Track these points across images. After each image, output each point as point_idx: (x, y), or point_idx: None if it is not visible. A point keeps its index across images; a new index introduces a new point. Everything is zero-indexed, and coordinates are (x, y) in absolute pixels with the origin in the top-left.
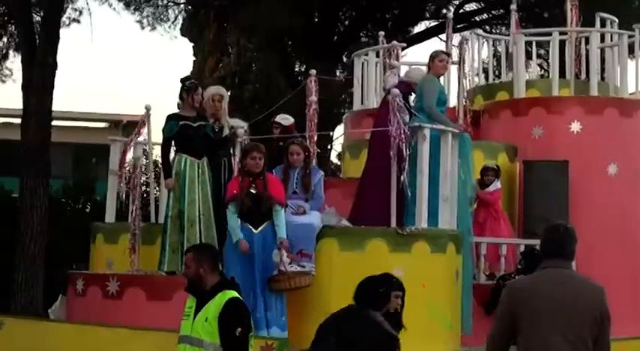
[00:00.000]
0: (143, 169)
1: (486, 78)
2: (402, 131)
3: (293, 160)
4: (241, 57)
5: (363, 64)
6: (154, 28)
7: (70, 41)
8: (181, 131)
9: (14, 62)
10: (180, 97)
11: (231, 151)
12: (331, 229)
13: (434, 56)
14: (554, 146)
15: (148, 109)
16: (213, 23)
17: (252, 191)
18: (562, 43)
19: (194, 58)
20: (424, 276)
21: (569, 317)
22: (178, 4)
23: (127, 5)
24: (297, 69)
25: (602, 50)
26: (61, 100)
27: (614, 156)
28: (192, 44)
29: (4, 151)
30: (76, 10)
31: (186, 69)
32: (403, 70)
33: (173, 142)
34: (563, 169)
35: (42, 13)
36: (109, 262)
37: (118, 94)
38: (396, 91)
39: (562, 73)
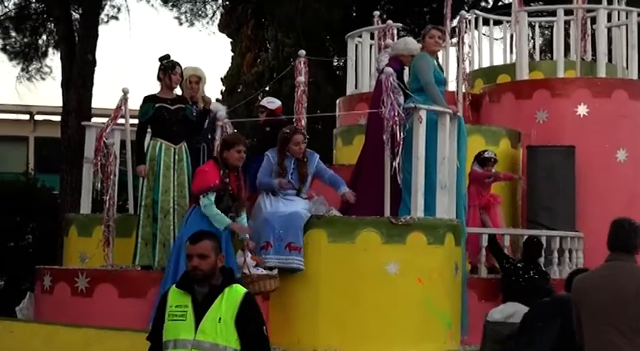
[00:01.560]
0: (117, 156)
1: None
2: (396, 113)
3: (295, 150)
4: (279, 52)
5: (356, 46)
6: (192, 24)
7: (109, 38)
8: (157, 114)
9: (54, 60)
10: (158, 77)
11: (210, 135)
12: (319, 219)
13: (424, 33)
14: (560, 131)
15: (125, 92)
16: (251, 19)
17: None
18: (567, 26)
19: (232, 54)
20: (420, 270)
21: (626, 310)
22: (216, 0)
23: (165, 1)
24: (335, 63)
25: (609, 30)
26: (102, 98)
27: (623, 141)
28: (230, 40)
29: (45, 149)
30: (114, 7)
31: (225, 65)
32: None
33: (149, 126)
34: (569, 155)
35: (80, 11)
36: (82, 256)
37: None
38: (390, 69)
39: (567, 55)
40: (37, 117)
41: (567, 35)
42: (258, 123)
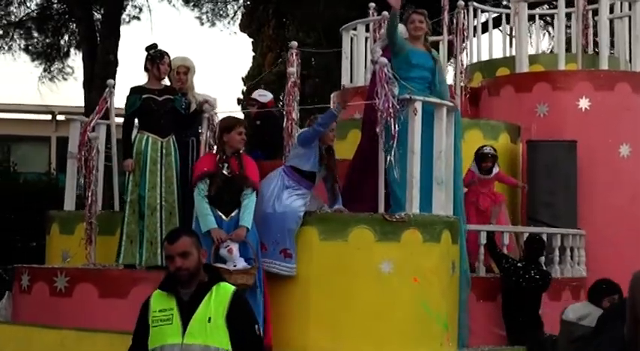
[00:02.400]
0: (100, 150)
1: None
2: (390, 104)
3: (330, 138)
4: (301, 52)
5: (352, 39)
6: (213, 24)
7: (130, 38)
8: (144, 106)
9: (75, 60)
10: (145, 67)
11: (199, 129)
12: (310, 215)
13: (405, 19)
14: (561, 125)
15: (109, 85)
16: (272, 18)
17: (225, 172)
18: (568, 22)
19: (253, 54)
20: (416, 269)
21: None
22: (237, 0)
23: (187, 1)
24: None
25: (611, 22)
26: (124, 98)
27: (627, 136)
28: (251, 40)
29: (66, 148)
30: (135, 7)
31: (246, 64)
32: None
33: (136, 119)
34: (570, 149)
35: (102, 11)
36: (64, 255)
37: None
38: (384, 60)
39: (568, 49)
40: (59, 117)
41: (568, 28)
42: (250, 117)
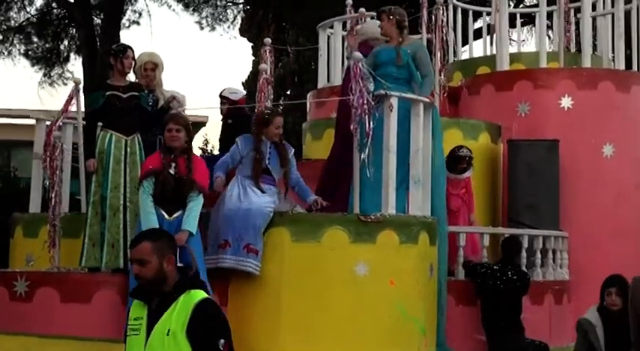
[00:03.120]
0: (65, 150)
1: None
2: (365, 101)
3: (276, 133)
4: (300, 56)
5: (328, 37)
6: (213, 29)
7: (130, 43)
8: (108, 103)
9: (75, 65)
10: (109, 63)
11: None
12: (281, 216)
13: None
14: (543, 124)
15: (77, 82)
16: (272, 23)
17: (172, 172)
18: (550, 18)
19: (253, 58)
20: (392, 271)
21: None
22: (237, 4)
23: (186, 6)
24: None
25: (594, 20)
26: None
27: (610, 135)
28: (251, 44)
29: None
30: (135, 12)
31: (246, 69)
32: None
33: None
34: (552, 149)
35: (102, 16)
36: (28, 259)
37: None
38: (358, 54)
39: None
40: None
41: (550, 28)
42: (221, 115)
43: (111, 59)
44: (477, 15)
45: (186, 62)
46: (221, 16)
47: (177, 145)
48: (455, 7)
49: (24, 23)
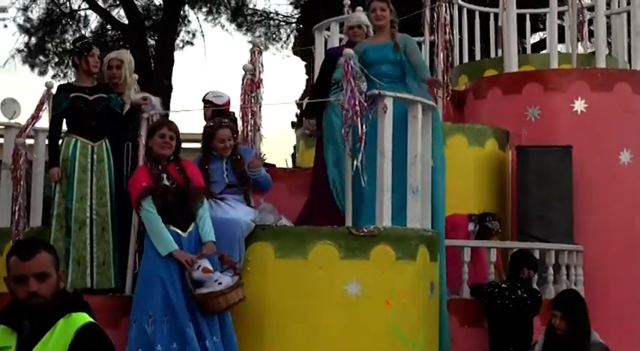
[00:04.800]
0: (27, 158)
1: (471, 56)
2: (357, 101)
3: (221, 147)
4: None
5: (325, 40)
6: (266, 48)
7: (184, 64)
8: (72, 106)
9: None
10: (73, 63)
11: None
12: (264, 229)
13: (367, 6)
14: (554, 129)
15: (48, 86)
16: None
17: (166, 183)
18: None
19: (307, 77)
20: (388, 290)
21: None
22: (290, 24)
23: (239, 26)
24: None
25: (608, 19)
26: (179, 122)
27: (627, 141)
28: (304, 63)
29: None
30: (189, 32)
31: (299, 87)
32: None
33: (65, 121)
34: (564, 156)
35: (156, 37)
36: None
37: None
38: (350, 51)
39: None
40: None
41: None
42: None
43: (75, 58)
44: (485, 17)
45: (239, 82)
46: (274, 36)
47: (168, 153)
48: (460, 8)
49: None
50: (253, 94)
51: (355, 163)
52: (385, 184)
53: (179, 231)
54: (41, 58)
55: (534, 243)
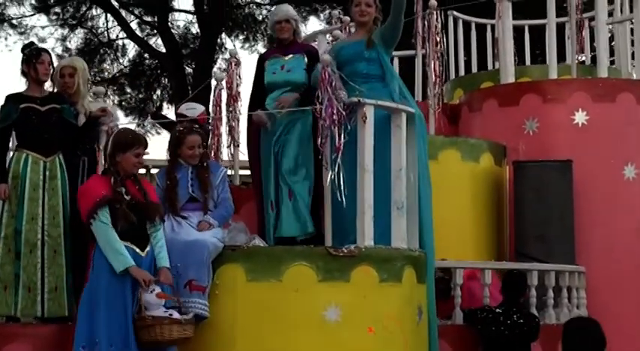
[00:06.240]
0: None
1: (468, 70)
2: (335, 110)
3: (189, 155)
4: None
5: None
6: None
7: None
8: (22, 117)
9: (169, 114)
10: (22, 72)
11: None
12: (234, 250)
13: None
14: (553, 143)
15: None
16: None
17: (126, 197)
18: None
19: None
20: (370, 316)
21: None
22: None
23: None
24: None
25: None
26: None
27: (631, 154)
28: None
29: None
30: (227, 60)
31: None
32: None
33: (14, 134)
34: (565, 171)
35: (193, 65)
36: None
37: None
38: (328, 57)
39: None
40: (153, 170)
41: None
42: None
43: (23, 66)
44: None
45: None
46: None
47: (137, 171)
48: (455, 19)
49: (117, 74)
50: (231, 109)
51: (332, 175)
52: (367, 199)
53: (137, 249)
54: None
55: (533, 264)
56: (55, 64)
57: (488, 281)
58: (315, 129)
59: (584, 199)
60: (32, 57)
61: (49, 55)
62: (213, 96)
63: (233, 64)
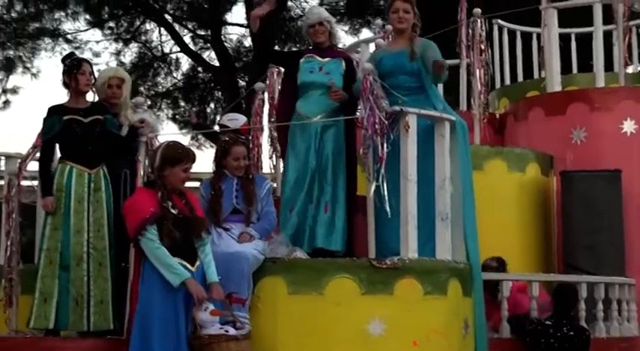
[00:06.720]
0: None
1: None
2: (377, 119)
3: (235, 166)
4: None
5: (356, 61)
6: None
7: None
8: (66, 129)
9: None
10: (64, 83)
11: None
12: (275, 262)
13: (388, 7)
14: (602, 152)
15: None
16: None
17: (173, 211)
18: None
19: None
20: (415, 329)
21: None
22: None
23: None
24: None
25: None
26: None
27: None
28: None
29: None
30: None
31: None
32: None
33: (58, 146)
34: (613, 181)
35: (246, 78)
36: None
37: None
38: (369, 65)
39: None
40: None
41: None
42: None
43: (65, 78)
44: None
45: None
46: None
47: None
48: (501, 28)
49: (171, 88)
50: (272, 119)
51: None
52: (410, 210)
53: (188, 264)
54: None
55: (582, 276)
56: (96, 74)
57: (536, 294)
58: (348, 139)
59: (634, 209)
60: (73, 68)
61: (90, 65)
62: (254, 106)
63: (274, 74)
